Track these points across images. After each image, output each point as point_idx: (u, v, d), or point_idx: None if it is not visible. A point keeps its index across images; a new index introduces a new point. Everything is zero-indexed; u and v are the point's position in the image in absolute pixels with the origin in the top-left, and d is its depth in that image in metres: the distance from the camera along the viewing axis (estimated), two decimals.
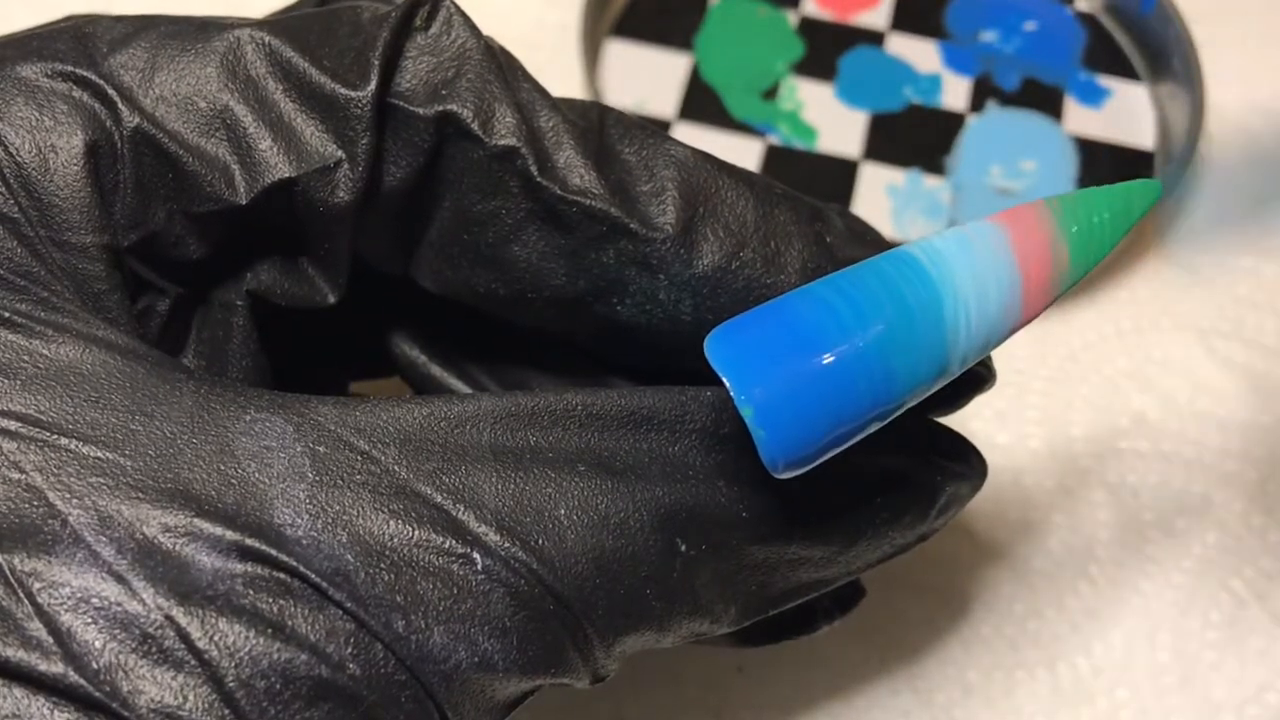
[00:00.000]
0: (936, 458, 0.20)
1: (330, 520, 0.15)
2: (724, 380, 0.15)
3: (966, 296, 0.15)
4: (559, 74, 0.33)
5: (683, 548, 0.16)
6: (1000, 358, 0.21)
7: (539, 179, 0.17)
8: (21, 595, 0.14)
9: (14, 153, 0.16)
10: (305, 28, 0.17)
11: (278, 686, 0.14)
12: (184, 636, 0.14)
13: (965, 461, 0.20)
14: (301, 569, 0.14)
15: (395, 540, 0.15)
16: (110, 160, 0.17)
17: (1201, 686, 0.27)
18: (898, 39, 0.36)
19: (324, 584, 0.14)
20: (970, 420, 0.30)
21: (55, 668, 0.13)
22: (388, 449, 0.15)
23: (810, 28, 0.36)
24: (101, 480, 0.14)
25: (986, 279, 0.16)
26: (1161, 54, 0.35)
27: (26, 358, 0.15)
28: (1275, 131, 0.34)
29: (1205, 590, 0.28)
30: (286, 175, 0.17)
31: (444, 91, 0.17)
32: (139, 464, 0.14)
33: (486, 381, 0.21)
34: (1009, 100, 0.35)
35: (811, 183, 0.33)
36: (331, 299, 0.18)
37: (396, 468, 0.15)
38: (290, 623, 0.14)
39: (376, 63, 0.17)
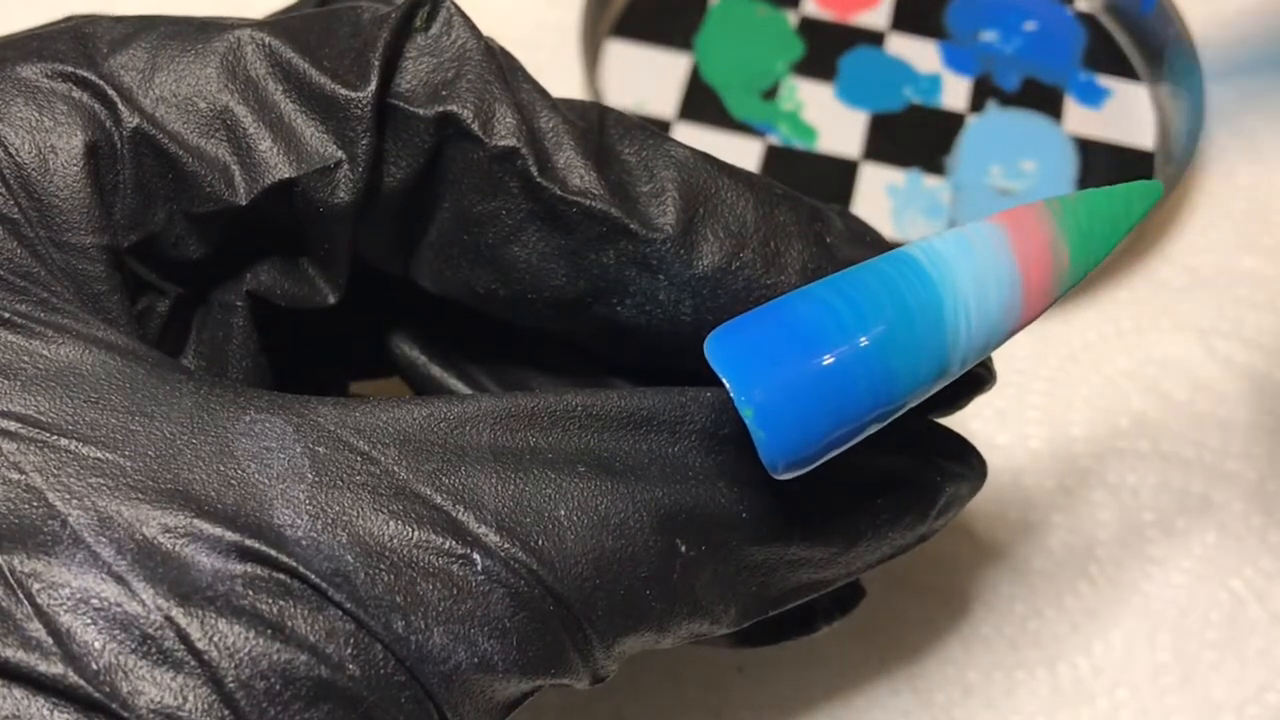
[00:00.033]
0: (937, 458, 0.20)
1: (330, 521, 0.15)
2: (724, 381, 0.15)
3: (967, 297, 0.15)
4: (559, 74, 0.33)
5: (683, 548, 0.16)
6: (1000, 358, 0.21)
7: (539, 179, 0.17)
8: (21, 596, 0.14)
9: (14, 153, 0.16)
10: (305, 28, 0.17)
11: (277, 687, 0.14)
12: (184, 637, 0.14)
13: (965, 462, 0.20)
14: (301, 570, 0.14)
15: (395, 541, 0.15)
16: (110, 161, 0.17)
17: (1201, 686, 0.27)
18: (898, 39, 0.36)
19: (324, 585, 0.14)
20: (970, 420, 0.30)
21: (55, 668, 0.13)
22: (388, 449, 0.15)
23: (810, 28, 0.36)
24: (101, 481, 0.14)
25: (987, 280, 0.16)
26: (1161, 54, 0.35)
27: (26, 358, 0.15)
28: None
29: (1205, 590, 0.28)
30: (286, 176, 0.17)
31: (444, 92, 0.17)
32: (139, 464, 0.14)
33: (486, 382, 0.21)
34: (1009, 100, 0.35)
35: (811, 183, 0.33)
36: (331, 299, 0.18)
37: (396, 468, 0.15)
38: (290, 623, 0.14)
39: (376, 63, 0.17)
